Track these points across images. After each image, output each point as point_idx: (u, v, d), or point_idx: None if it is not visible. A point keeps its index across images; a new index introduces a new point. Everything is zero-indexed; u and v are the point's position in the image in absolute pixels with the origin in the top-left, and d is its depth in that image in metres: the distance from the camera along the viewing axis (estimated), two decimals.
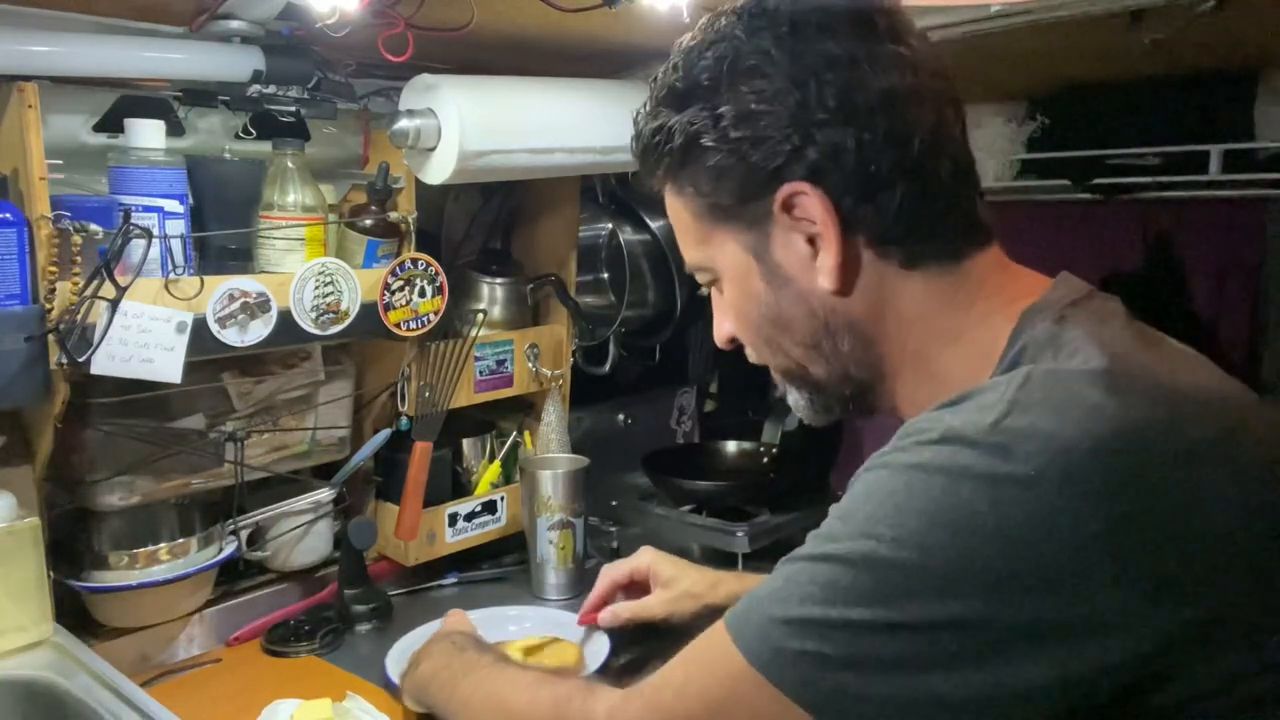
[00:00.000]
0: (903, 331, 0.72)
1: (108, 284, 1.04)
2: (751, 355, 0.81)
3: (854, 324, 0.72)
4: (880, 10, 0.70)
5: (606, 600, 1.26)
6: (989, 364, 0.68)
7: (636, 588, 1.25)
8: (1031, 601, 0.55)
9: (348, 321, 1.26)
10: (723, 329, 0.82)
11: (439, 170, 1.28)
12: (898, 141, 0.68)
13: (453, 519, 1.51)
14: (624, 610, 1.22)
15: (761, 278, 0.74)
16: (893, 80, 0.68)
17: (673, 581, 1.20)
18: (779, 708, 0.62)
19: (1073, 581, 0.54)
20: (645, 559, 1.24)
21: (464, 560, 1.57)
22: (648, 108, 0.77)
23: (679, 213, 0.78)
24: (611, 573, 1.25)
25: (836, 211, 0.69)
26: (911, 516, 0.58)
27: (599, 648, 1.26)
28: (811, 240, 0.70)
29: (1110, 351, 0.62)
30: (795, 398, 0.80)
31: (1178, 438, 0.58)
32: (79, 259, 1.03)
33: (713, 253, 0.77)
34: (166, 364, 1.10)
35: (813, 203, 0.69)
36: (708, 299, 0.84)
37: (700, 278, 0.81)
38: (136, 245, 1.07)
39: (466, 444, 1.59)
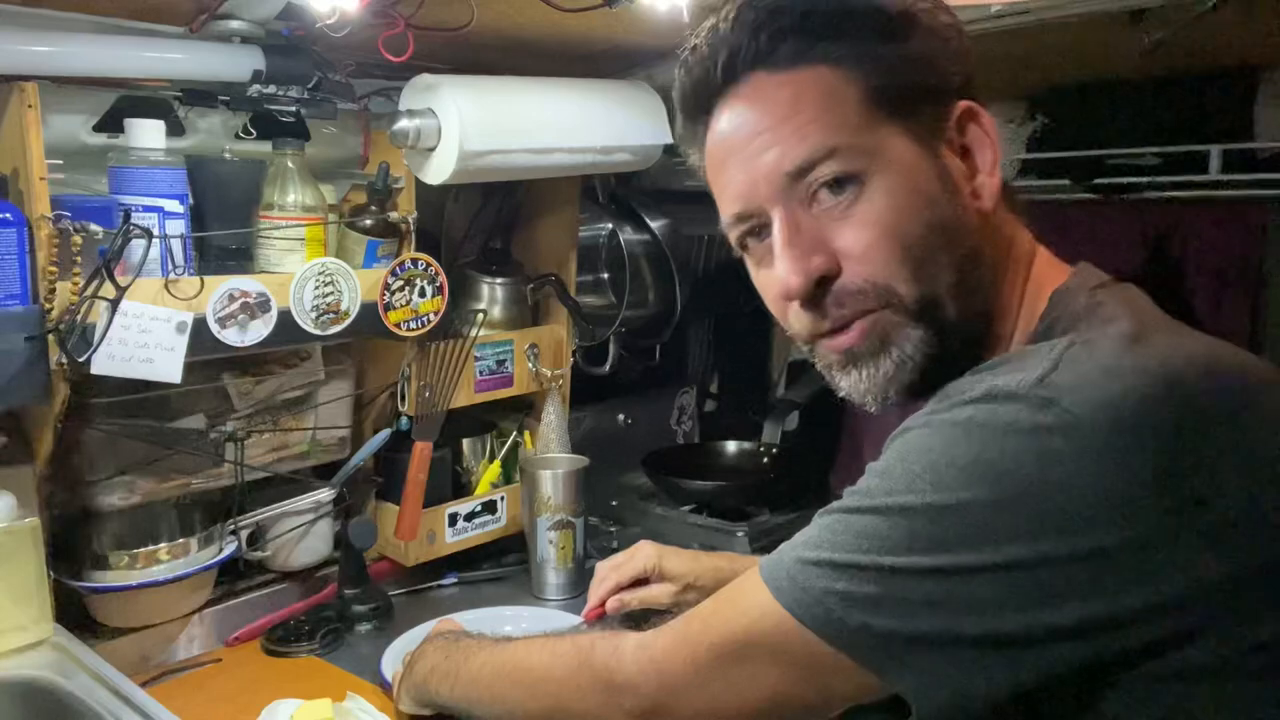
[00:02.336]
0: (1012, 272, 0.74)
1: (108, 284, 1.04)
2: (864, 289, 0.68)
3: (995, 252, 0.73)
4: None
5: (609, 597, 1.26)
6: (1024, 336, 0.71)
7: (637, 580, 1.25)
8: (1068, 540, 0.56)
9: (348, 321, 1.26)
10: (815, 261, 0.68)
11: (439, 170, 1.28)
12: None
13: (453, 519, 1.51)
14: (631, 599, 1.22)
15: (936, 177, 0.69)
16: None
17: (678, 578, 1.20)
18: (801, 643, 0.64)
19: (1114, 519, 0.55)
20: (647, 556, 1.23)
21: (464, 560, 1.57)
22: None
23: (826, 92, 0.68)
24: (615, 574, 1.24)
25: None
26: (952, 471, 0.59)
27: None
28: (971, 157, 0.72)
29: (1144, 322, 0.64)
30: (906, 346, 0.69)
31: (1225, 393, 0.59)
32: (79, 259, 1.03)
33: (874, 141, 0.67)
34: (166, 364, 1.10)
35: (988, 124, 0.71)
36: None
37: (822, 170, 0.67)
38: (136, 245, 1.07)
39: (466, 444, 1.59)
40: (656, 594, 1.20)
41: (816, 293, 0.69)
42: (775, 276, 0.70)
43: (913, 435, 0.63)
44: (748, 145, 0.70)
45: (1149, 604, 0.56)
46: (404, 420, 1.44)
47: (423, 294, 1.35)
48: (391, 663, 1.21)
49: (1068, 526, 0.55)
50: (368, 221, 1.32)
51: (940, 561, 0.59)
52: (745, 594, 0.69)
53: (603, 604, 1.24)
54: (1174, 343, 0.63)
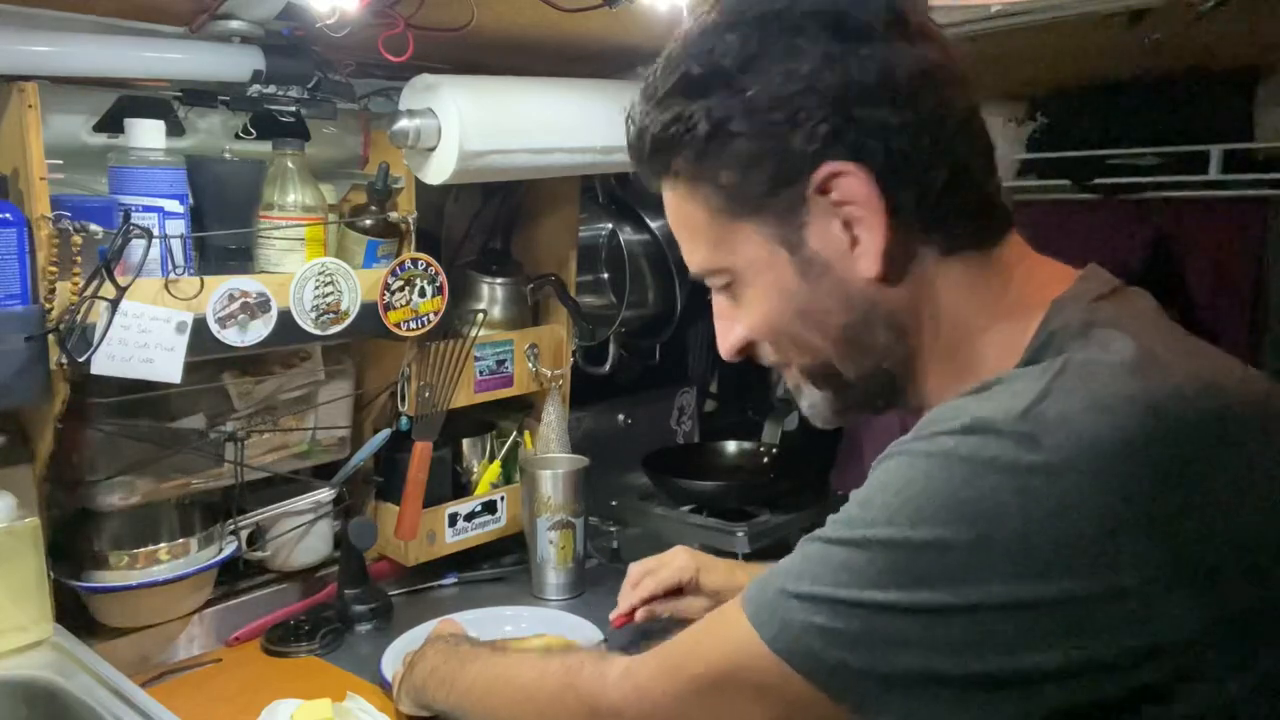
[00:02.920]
0: (937, 321, 0.70)
1: (108, 284, 1.04)
2: (769, 357, 0.76)
3: (892, 314, 0.69)
4: None
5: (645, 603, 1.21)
6: (1016, 353, 0.66)
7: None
8: (1049, 584, 0.54)
9: (348, 321, 1.26)
10: (733, 335, 0.76)
11: (439, 170, 1.28)
12: (937, 121, 0.66)
13: (453, 519, 1.51)
14: (663, 611, 1.19)
15: (794, 269, 0.69)
16: (931, 57, 0.66)
17: (713, 591, 1.17)
18: (781, 677, 0.63)
19: (1097, 564, 0.53)
20: (684, 567, 1.19)
21: (464, 560, 1.57)
22: (652, 101, 0.71)
23: (690, 213, 0.73)
24: (650, 581, 1.19)
25: (881, 191, 0.65)
26: (932, 506, 0.57)
27: (593, 643, 1.27)
28: (849, 225, 0.67)
29: (1145, 343, 0.61)
30: (814, 398, 0.76)
31: (1217, 429, 0.57)
32: (79, 259, 1.03)
33: (732, 251, 0.72)
34: (166, 364, 1.10)
35: (856, 183, 0.65)
36: (708, 300, 0.81)
37: (713, 281, 0.75)
38: (136, 245, 1.07)
39: (466, 444, 1.59)
40: (690, 606, 1.17)
41: (748, 351, 0.77)
42: None
43: (894, 464, 0.62)
44: (674, 234, 0.77)
45: (1134, 649, 0.54)
46: (404, 420, 1.44)
47: (423, 294, 1.35)
48: (392, 662, 1.21)
49: (1048, 571, 0.54)
50: (368, 221, 1.32)
51: (918, 599, 0.57)
52: (727, 625, 0.68)
53: (633, 611, 1.20)
54: (1173, 370, 0.59)
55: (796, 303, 0.71)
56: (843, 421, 0.77)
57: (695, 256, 0.75)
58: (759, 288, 0.72)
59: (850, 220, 0.67)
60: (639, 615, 1.20)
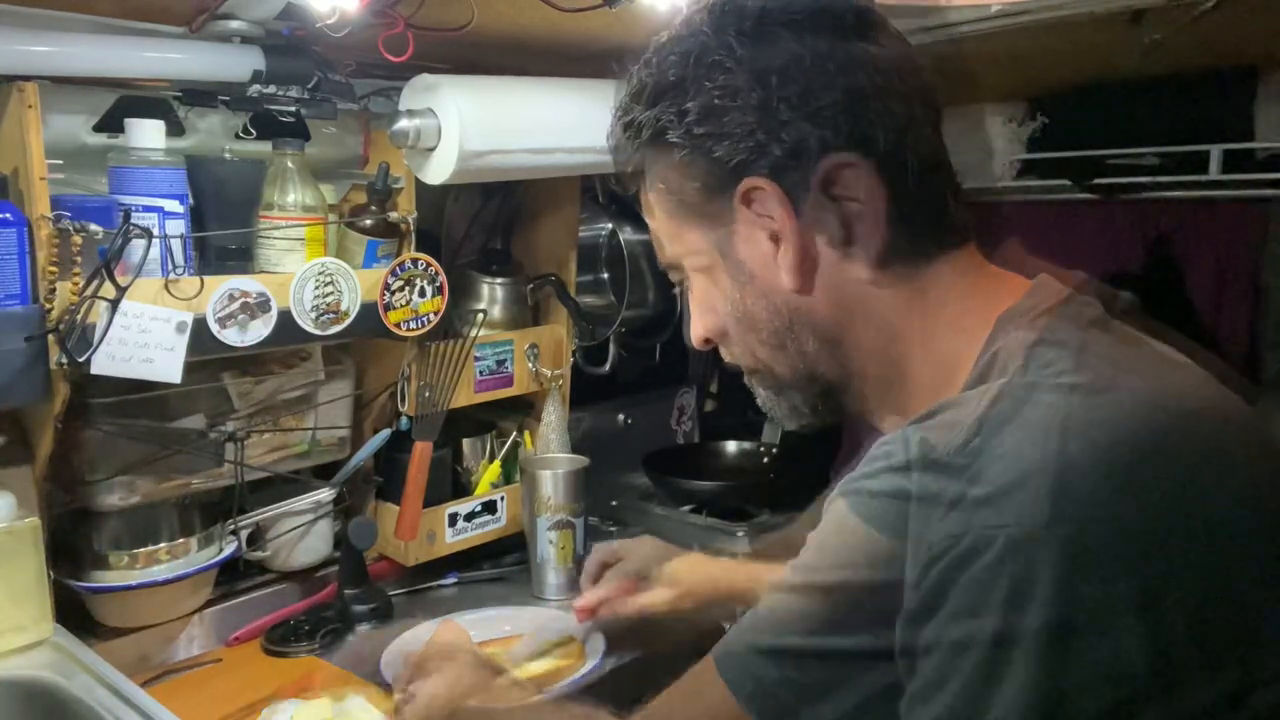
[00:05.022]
0: (869, 333, 0.70)
1: (108, 284, 1.04)
2: (725, 355, 0.80)
3: (817, 324, 0.71)
4: (849, 8, 0.69)
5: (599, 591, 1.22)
6: (960, 371, 0.65)
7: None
8: (996, 621, 0.53)
9: (348, 321, 1.26)
10: (696, 328, 0.80)
11: (439, 170, 1.28)
12: (860, 141, 0.66)
13: (453, 519, 1.51)
14: (626, 609, 1.19)
15: (727, 274, 0.73)
16: (858, 79, 0.67)
17: (676, 583, 1.17)
18: None
19: (1039, 602, 0.52)
20: (646, 558, 1.20)
21: (464, 560, 1.57)
22: (621, 101, 0.77)
23: (651, 209, 0.78)
24: (614, 576, 1.21)
25: (794, 208, 0.68)
26: (880, 546, 0.58)
27: (598, 643, 1.27)
28: (774, 238, 0.69)
29: (1084, 363, 0.60)
30: (764, 398, 0.78)
31: (1157, 453, 0.56)
32: (79, 259, 1.03)
33: (683, 249, 0.76)
34: (166, 364, 1.10)
35: (770, 199, 0.68)
36: None
37: (672, 275, 0.80)
38: (136, 245, 1.07)
39: (466, 444, 1.59)
40: (653, 600, 1.18)
41: (713, 345, 0.80)
42: None
43: (843, 504, 0.62)
44: None
45: (1082, 684, 0.53)
46: (404, 420, 1.44)
47: (423, 294, 1.35)
48: (391, 663, 1.21)
49: (994, 610, 0.53)
50: (368, 221, 1.32)
51: (879, 642, 0.57)
52: (704, 687, 0.68)
53: (597, 606, 1.21)
54: (1107, 391, 0.58)
55: (731, 305, 0.74)
56: (799, 423, 0.77)
57: (660, 249, 0.80)
58: (703, 289, 0.76)
59: (773, 233, 0.69)
60: (602, 612, 1.20)
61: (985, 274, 0.71)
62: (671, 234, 0.76)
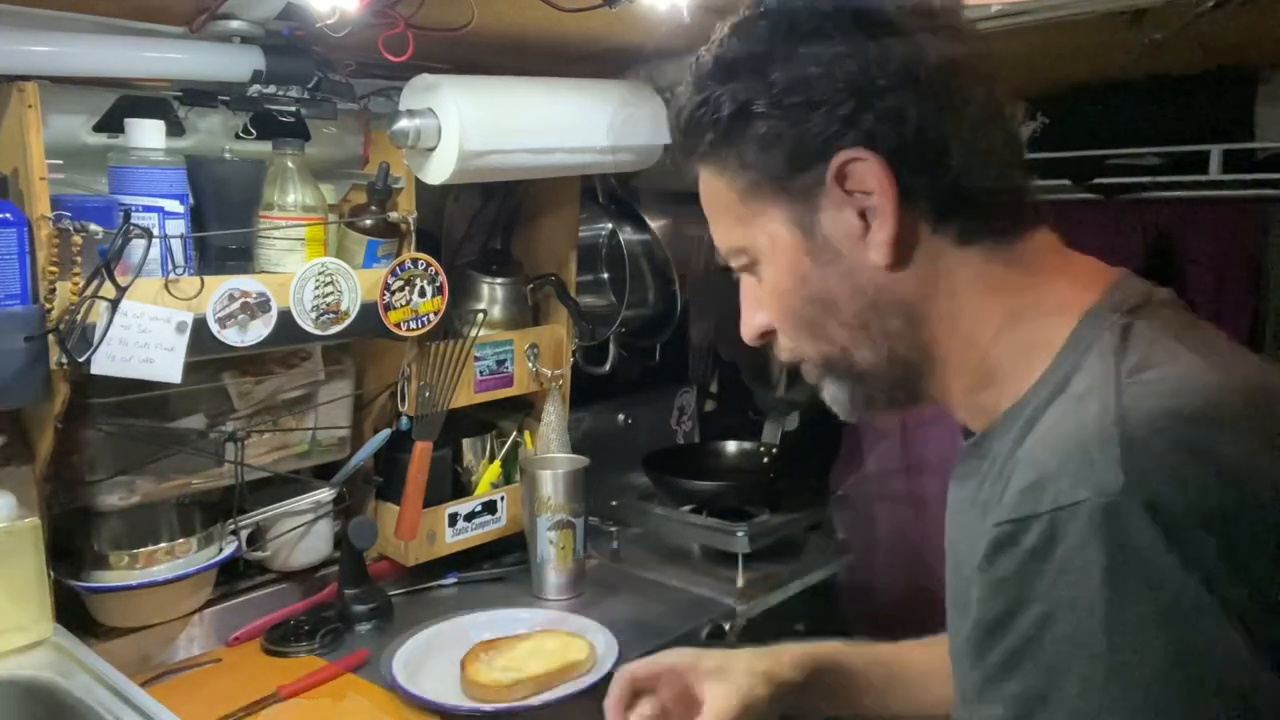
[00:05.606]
0: (954, 312, 0.69)
1: (108, 284, 1.04)
2: (785, 347, 0.76)
3: (904, 302, 0.69)
4: None
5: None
6: (1038, 357, 0.65)
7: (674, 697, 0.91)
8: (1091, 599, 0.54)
9: (348, 321, 1.26)
10: (755, 320, 0.77)
11: (439, 170, 1.28)
12: (955, 110, 0.66)
13: (453, 519, 1.51)
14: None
15: (807, 254, 0.70)
16: (951, 49, 0.67)
17: (721, 668, 0.90)
18: None
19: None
20: (677, 661, 0.92)
21: (464, 560, 1.57)
22: (689, 85, 0.73)
23: (717, 193, 0.74)
24: (648, 709, 0.90)
25: (894, 179, 0.66)
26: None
27: (609, 648, 1.27)
28: (863, 214, 0.67)
29: (1191, 349, 0.61)
30: (834, 391, 0.75)
31: (1230, 421, 0.56)
32: (79, 259, 1.03)
33: (753, 232, 0.72)
34: (166, 364, 1.10)
35: (870, 170, 0.66)
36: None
37: (735, 262, 0.76)
38: (136, 245, 1.07)
39: (466, 444, 1.59)
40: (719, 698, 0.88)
41: (768, 338, 0.77)
42: None
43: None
44: (707, 217, 0.78)
45: (1203, 645, 0.53)
46: (404, 420, 1.44)
47: (423, 294, 1.35)
48: (401, 667, 1.21)
49: (1095, 588, 0.54)
50: (368, 221, 1.32)
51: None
52: None
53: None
54: (1223, 372, 0.59)
55: (809, 287, 0.71)
56: (864, 414, 0.75)
57: (720, 237, 0.76)
58: (776, 271, 0.73)
59: (863, 207, 0.67)
60: None
61: (1065, 255, 0.71)
62: (741, 216, 0.73)
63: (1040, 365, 0.65)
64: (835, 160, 0.66)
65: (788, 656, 0.92)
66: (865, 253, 0.68)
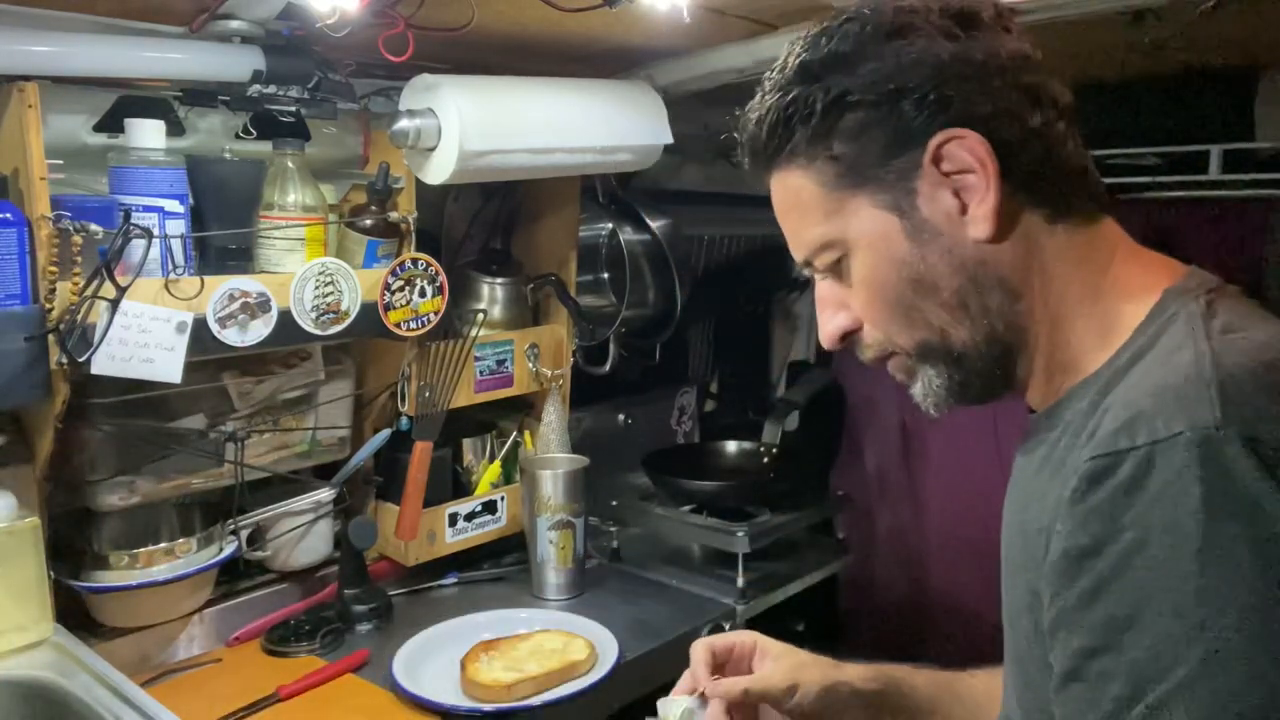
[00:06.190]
0: (1045, 287, 0.71)
1: (108, 284, 1.04)
2: (873, 342, 0.76)
3: (1002, 277, 0.71)
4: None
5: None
6: (1117, 333, 0.69)
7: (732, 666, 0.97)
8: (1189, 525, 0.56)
9: (348, 321, 1.26)
10: (837, 320, 0.77)
11: (439, 170, 1.28)
12: (1034, 94, 0.69)
13: (453, 519, 1.51)
14: (741, 682, 0.92)
15: (906, 236, 0.71)
16: (1021, 44, 0.71)
17: (785, 654, 0.95)
18: None
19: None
20: (746, 636, 0.98)
21: (464, 560, 1.57)
22: (772, 92, 0.74)
23: (801, 190, 0.75)
24: (708, 648, 0.95)
25: (994, 153, 0.68)
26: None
27: (609, 648, 1.27)
28: (957, 193, 0.70)
29: (1275, 327, 0.64)
30: (929, 379, 0.75)
31: None
32: (79, 259, 1.03)
33: (844, 223, 0.73)
34: (166, 364, 1.10)
35: (970, 146, 0.68)
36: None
37: (821, 259, 0.76)
38: (136, 245, 1.07)
39: (466, 444, 1.59)
40: (771, 675, 0.93)
41: (849, 340, 0.78)
42: None
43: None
44: (782, 224, 0.79)
45: None
46: (404, 420, 1.44)
47: (423, 294, 1.35)
48: (401, 667, 1.21)
49: (1191, 516, 0.55)
50: (368, 221, 1.32)
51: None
52: None
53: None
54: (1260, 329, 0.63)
55: (908, 270, 0.72)
56: (960, 403, 0.75)
57: (805, 235, 0.76)
58: (870, 258, 0.73)
59: (961, 185, 0.69)
60: (718, 690, 0.91)
61: (1137, 246, 0.74)
62: (830, 209, 0.74)
63: (1116, 344, 0.68)
64: (934, 141, 0.69)
65: (853, 667, 0.94)
66: (965, 229, 0.70)
